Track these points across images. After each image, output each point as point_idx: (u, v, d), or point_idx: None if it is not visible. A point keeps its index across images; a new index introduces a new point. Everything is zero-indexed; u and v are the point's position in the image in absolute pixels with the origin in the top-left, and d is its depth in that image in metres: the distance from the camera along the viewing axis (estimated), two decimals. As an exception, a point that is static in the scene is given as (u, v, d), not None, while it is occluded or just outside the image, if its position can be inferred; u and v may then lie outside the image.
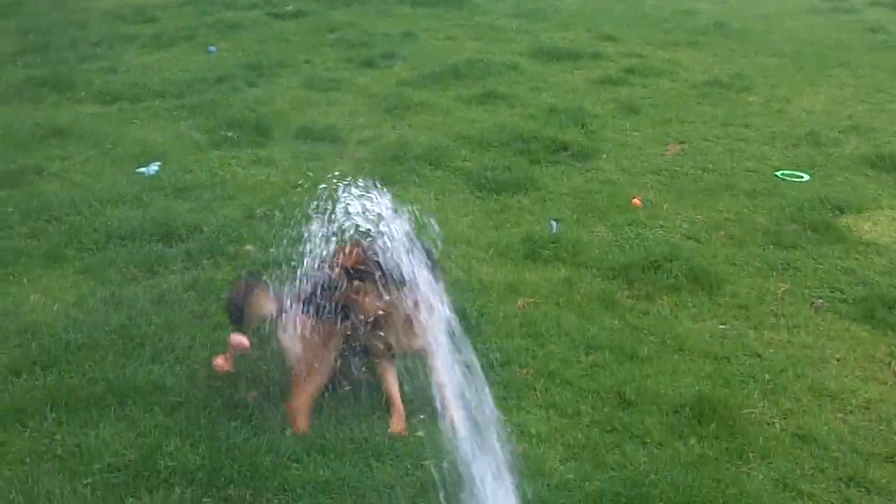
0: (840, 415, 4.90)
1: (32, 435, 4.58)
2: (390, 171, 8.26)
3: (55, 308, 5.80)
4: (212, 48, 12.67)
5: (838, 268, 6.53)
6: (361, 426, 4.64)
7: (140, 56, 12.32)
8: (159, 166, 8.21)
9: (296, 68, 11.93)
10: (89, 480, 4.25)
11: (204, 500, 4.13)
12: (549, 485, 4.24)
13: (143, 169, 8.16)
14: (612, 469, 4.39)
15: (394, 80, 11.63)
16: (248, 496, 4.15)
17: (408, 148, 8.83)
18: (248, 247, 6.57)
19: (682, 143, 9.19)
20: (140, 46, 12.71)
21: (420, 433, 4.60)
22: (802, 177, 8.26)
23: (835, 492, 4.33)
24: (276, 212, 7.07)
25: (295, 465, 4.33)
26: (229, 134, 9.12)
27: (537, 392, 5.01)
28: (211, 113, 9.83)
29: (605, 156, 8.79)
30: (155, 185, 7.77)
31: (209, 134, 9.18)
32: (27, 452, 4.46)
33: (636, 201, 7.62)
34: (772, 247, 6.84)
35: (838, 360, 5.39)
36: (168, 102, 10.32)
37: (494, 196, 7.81)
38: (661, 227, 7.16)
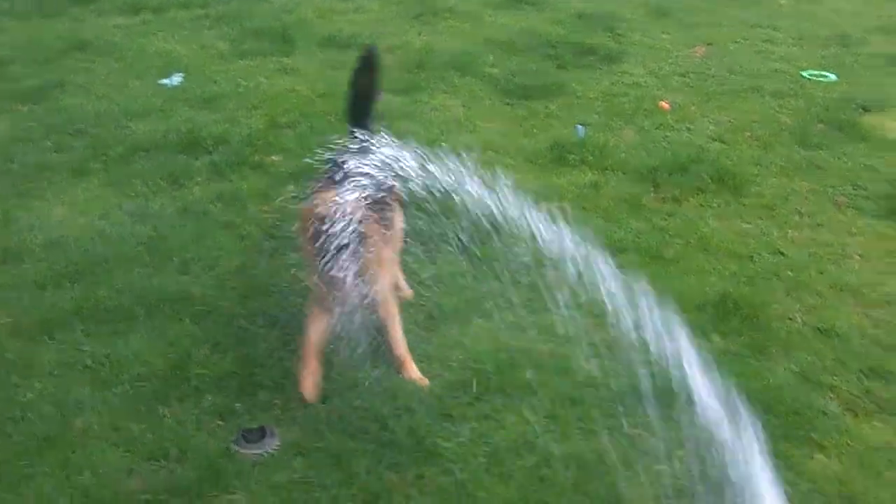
0: (861, 309, 4.91)
1: (61, 347, 4.64)
2: (417, 78, 8.22)
3: (81, 222, 5.84)
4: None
5: (862, 166, 6.50)
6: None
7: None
8: (183, 77, 8.22)
9: (321, -25, 11.78)
10: (119, 390, 4.32)
11: (235, 405, 4.20)
12: (575, 381, 4.30)
13: (166, 80, 8.17)
14: (639, 366, 4.42)
15: (421, -16, 11.49)
16: (277, 401, 4.23)
17: (435, 55, 8.77)
18: (274, 157, 6.59)
19: (709, 45, 9.06)
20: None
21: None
22: (829, 77, 8.14)
23: (856, 383, 4.37)
24: (302, 121, 7.09)
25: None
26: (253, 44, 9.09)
27: (563, 296, 5.04)
28: (235, 22, 9.78)
29: (632, 59, 8.70)
30: (179, 96, 7.78)
31: (233, 44, 9.16)
32: (55, 364, 4.51)
33: (664, 104, 7.56)
34: (797, 147, 6.80)
35: (860, 256, 5.40)
36: (192, 12, 10.26)
37: (522, 102, 7.76)
38: (688, 129, 7.11)
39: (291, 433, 4.03)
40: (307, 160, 6.37)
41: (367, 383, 4.27)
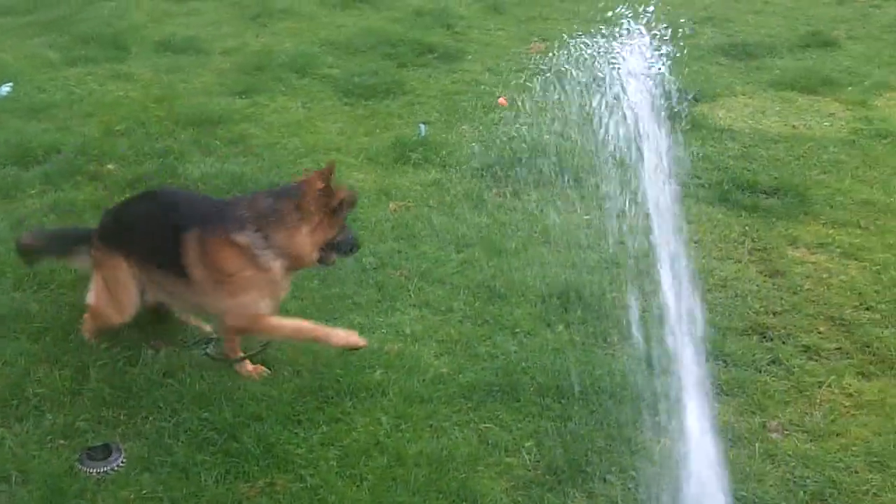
0: (699, 294, 5.08)
1: None
2: (255, 80, 8.14)
3: None
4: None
5: (695, 155, 6.74)
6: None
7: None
8: (11, 87, 7.89)
9: (153, -21, 11.52)
10: (-45, 413, 4.13)
11: (78, 423, 4.07)
12: (423, 380, 4.33)
13: (-8, 91, 7.84)
14: (485, 360, 4.51)
15: (257, -14, 11.36)
16: (121, 416, 4.12)
17: (272, 56, 8.70)
18: (110, 165, 6.41)
19: (545, 41, 9.26)
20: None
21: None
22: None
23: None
24: (137, 127, 6.92)
25: (169, 380, 4.30)
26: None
27: (411, 292, 5.08)
28: (64, 29, 9.46)
29: (470, 57, 8.83)
30: (7, 106, 7.47)
31: (63, 51, 8.85)
32: None
33: (502, 101, 7.69)
34: (628, 137, 7.00)
35: (696, 242, 5.60)
36: (18, 19, 9.89)
37: (363, 102, 7.77)
38: (527, 125, 7.25)
39: (138, 448, 3.93)
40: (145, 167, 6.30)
41: (213, 394, 4.20)
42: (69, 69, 8.40)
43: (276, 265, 4.12)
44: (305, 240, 4.12)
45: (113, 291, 4.43)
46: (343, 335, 4.24)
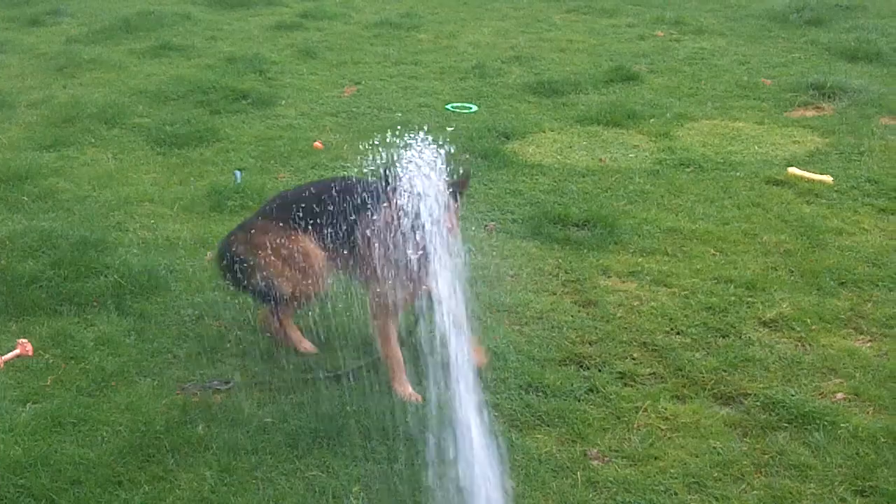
0: (517, 327, 5.22)
1: None
2: (64, 132, 7.94)
3: None
4: None
5: (507, 191, 6.93)
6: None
7: None
8: None
9: (-52, 32, 11.09)
10: None
11: None
12: (248, 431, 4.28)
13: None
14: (309, 407, 4.48)
15: (63, 37, 11.12)
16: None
17: (81, 108, 8.48)
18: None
19: (357, 83, 9.38)
20: None
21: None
22: (471, 108, 8.67)
23: (516, 399, 4.59)
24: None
25: None
26: None
27: (231, 342, 5.02)
28: None
29: (284, 102, 8.85)
30: None
31: None
32: None
33: (318, 144, 7.74)
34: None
35: (512, 277, 5.74)
36: None
37: (176, 150, 7.68)
38: (343, 167, 7.31)
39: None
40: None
41: (29, 459, 4.05)
42: None
43: None
44: None
45: None
46: (408, 391, 4.52)
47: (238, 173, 7.15)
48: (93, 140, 7.86)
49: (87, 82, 9.44)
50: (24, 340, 4.84)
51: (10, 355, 4.75)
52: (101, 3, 12.49)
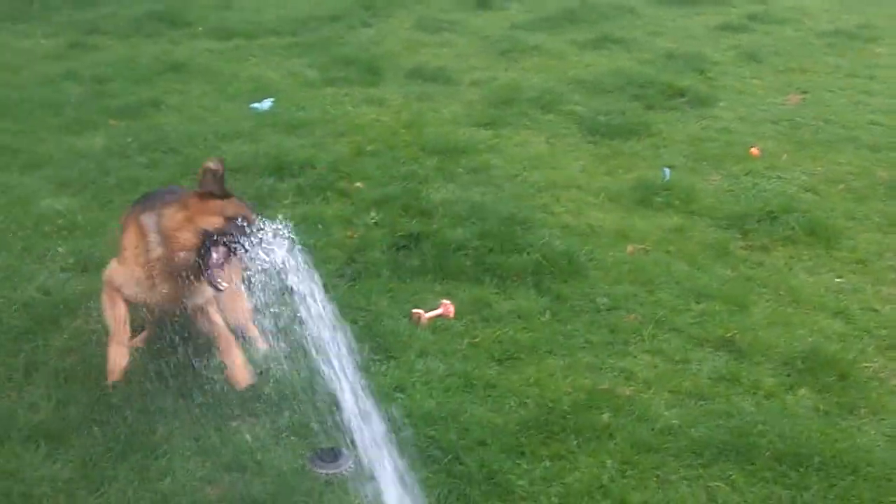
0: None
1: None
2: (501, 112, 8.21)
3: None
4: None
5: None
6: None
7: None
8: (273, 102, 8.31)
9: (409, 9, 11.94)
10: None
11: (311, 424, 4.08)
12: (653, 429, 4.17)
13: (256, 105, 8.26)
14: (719, 417, 4.29)
15: (508, 22, 11.54)
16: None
17: (520, 91, 8.76)
18: (358, 184, 6.59)
19: (804, 93, 8.90)
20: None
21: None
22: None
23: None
24: (386, 150, 7.10)
25: (399, 395, 4.32)
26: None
27: (644, 338, 4.92)
28: (324, 51, 9.90)
29: (722, 103, 8.58)
30: (268, 120, 7.86)
31: (322, 72, 9.26)
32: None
33: (754, 151, 7.41)
34: (894, 201, 6.58)
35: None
36: (283, 40, 10.43)
37: (607, 141, 7.68)
38: (779, 178, 6.95)
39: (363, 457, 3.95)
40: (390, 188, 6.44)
41: (440, 413, 4.20)
42: (326, 89, 8.77)
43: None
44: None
45: None
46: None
47: (667, 170, 7.02)
48: (528, 123, 8.06)
49: (527, 67, 9.73)
50: (448, 302, 5.09)
51: (434, 313, 5.02)
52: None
